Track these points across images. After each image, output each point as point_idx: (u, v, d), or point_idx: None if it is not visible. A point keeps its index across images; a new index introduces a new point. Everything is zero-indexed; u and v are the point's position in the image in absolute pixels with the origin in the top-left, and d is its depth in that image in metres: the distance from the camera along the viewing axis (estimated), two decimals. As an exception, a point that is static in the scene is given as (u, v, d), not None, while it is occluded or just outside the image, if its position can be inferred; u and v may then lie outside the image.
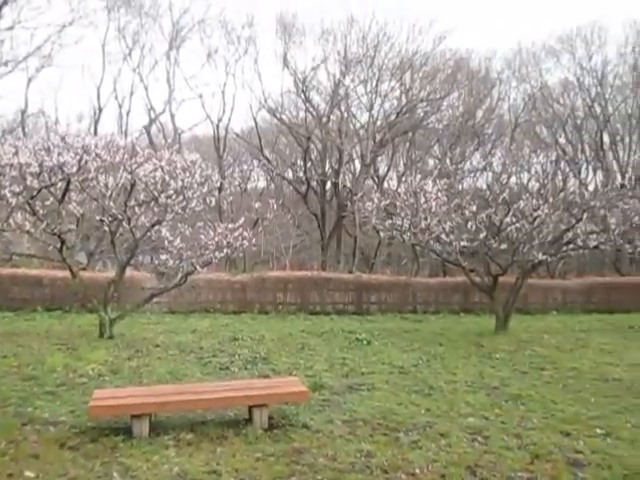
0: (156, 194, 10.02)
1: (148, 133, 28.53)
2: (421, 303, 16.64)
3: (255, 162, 32.53)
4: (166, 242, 10.47)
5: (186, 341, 10.58)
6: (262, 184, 34.99)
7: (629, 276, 21.50)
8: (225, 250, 10.57)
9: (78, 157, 9.68)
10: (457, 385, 7.55)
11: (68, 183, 10.10)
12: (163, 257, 10.58)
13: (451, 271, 20.42)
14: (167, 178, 9.93)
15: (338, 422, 5.81)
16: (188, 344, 10.25)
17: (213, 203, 11.43)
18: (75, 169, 9.74)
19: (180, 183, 9.96)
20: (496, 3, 50.37)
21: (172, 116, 28.82)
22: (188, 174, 10.12)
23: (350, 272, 20.19)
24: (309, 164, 27.98)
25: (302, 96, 26.79)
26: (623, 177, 29.88)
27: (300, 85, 26.46)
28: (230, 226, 10.76)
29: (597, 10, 49.23)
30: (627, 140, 30.20)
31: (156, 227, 10.48)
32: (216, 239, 10.42)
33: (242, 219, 11.35)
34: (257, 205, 16.93)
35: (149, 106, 28.61)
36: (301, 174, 29.03)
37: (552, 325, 14.03)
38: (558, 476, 4.57)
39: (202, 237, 10.55)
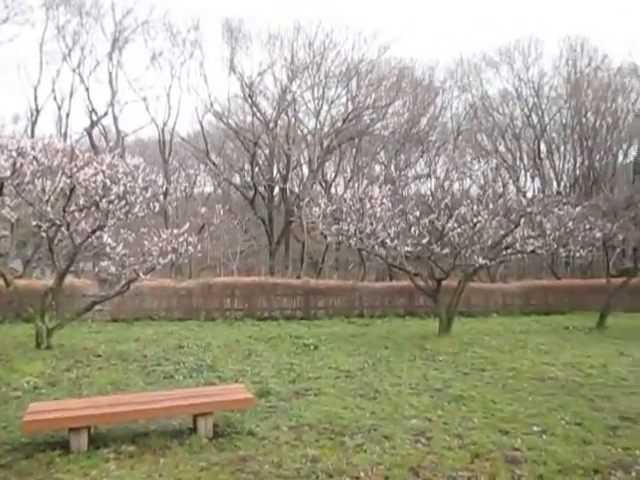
0: (97, 199, 9.73)
1: (90, 136, 27.68)
2: (368, 307, 16.85)
3: (202, 167, 32.14)
4: (108, 248, 10.17)
5: (129, 350, 10.30)
6: (209, 189, 34.62)
7: (565, 279, 22.51)
8: (170, 256, 10.36)
9: (12, 160, 9.28)
10: (402, 388, 7.68)
11: (1, 187, 9.65)
12: (104, 264, 10.26)
13: (397, 275, 20.80)
14: (108, 182, 9.66)
15: (284, 428, 5.80)
16: (131, 353, 9.99)
17: (157, 208, 11.18)
18: (9, 172, 9.33)
19: (122, 188, 9.70)
20: (439, 15, 51.85)
21: (115, 119, 28.10)
22: (131, 178, 9.87)
23: (298, 277, 20.21)
24: (256, 169, 27.90)
25: (249, 101, 26.71)
26: (559, 184, 31.31)
27: (247, 90, 26.39)
28: (175, 231, 10.57)
29: (534, 25, 51.44)
30: (562, 149, 31.65)
31: (97, 233, 10.17)
32: (160, 245, 10.20)
33: (187, 224, 11.17)
34: (203, 210, 16.76)
35: (90, 108, 27.79)
36: (248, 179, 28.88)
37: (493, 327, 14.48)
38: (497, 474, 4.72)
39: (146, 243, 10.31)
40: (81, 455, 4.89)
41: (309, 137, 27.16)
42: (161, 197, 11.81)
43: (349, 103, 27.33)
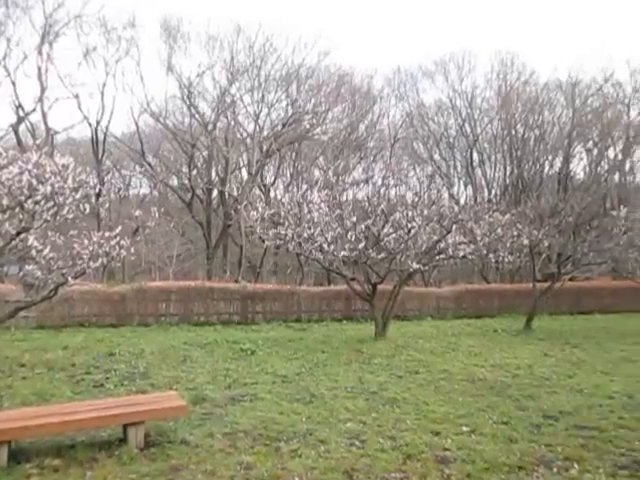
0: (22, 199, 9.23)
1: (16, 133, 26.29)
2: (305, 311, 16.91)
3: (137, 168, 31.23)
4: (34, 251, 9.66)
5: (56, 358, 9.85)
6: (145, 191, 33.66)
7: (494, 283, 23.44)
8: (101, 259, 9.97)
9: None
10: (338, 391, 7.74)
11: None
12: (30, 267, 9.75)
13: (335, 279, 20.98)
14: (35, 182, 9.19)
15: (219, 435, 5.72)
16: (58, 361, 9.55)
17: (88, 210, 10.74)
18: None
19: (50, 188, 9.25)
20: (377, 24, 52.88)
21: (44, 115, 26.80)
22: (60, 178, 9.44)
23: (236, 281, 19.99)
24: (194, 171, 27.41)
25: (187, 102, 26.24)
26: (490, 192, 32.59)
27: (185, 91, 25.92)
28: (107, 234, 10.18)
29: (468, 38, 53.40)
30: (493, 158, 32.98)
31: (22, 235, 9.65)
32: (91, 248, 9.80)
33: (120, 227, 10.79)
34: (138, 213, 16.21)
35: (17, 103, 26.40)
36: (186, 181, 28.31)
37: (427, 330, 14.86)
38: (427, 474, 4.84)
39: (76, 246, 9.87)
40: (0, 471, 4.63)
41: (248, 140, 26.98)
42: (93, 199, 11.35)
43: (289, 107, 27.39)
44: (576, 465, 5.04)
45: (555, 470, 4.96)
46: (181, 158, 28.92)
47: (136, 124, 27.50)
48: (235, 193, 27.21)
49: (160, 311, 15.54)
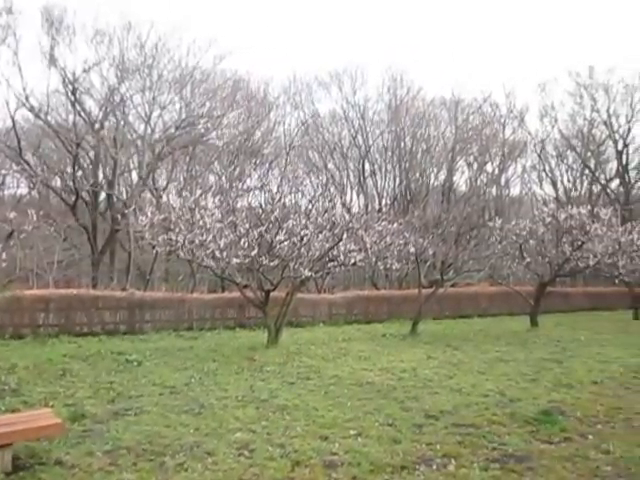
0: None
1: None
2: (197, 320, 16.49)
3: (14, 166, 28.80)
4: None
5: None
6: (23, 191, 31.10)
7: (383, 290, 24.35)
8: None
9: None
10: (228, 401, 7.62)
11: None
12: None
13: (230, 287, 20.68)
14: None
15: (99, 453, 5.39)
16: None
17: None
18: None
19: None
20: (273, 32, 53.26)
21: None
22: None
23: (124, 289, 19.06)
24: (79, 172, 25.78)
25: (72, 98, 24.65)
26: (380, 202, 33.90)
27: (70, 86, 24.33)
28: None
29: (361, 52, 55.32)
30: (384, 169, 34.35)
31: None
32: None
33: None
34: (13, 215, 14.95)
35: None
36: (70, 183, 26.55)
37: (319, 336, 15.08)
38: (315, 479, 4.89)
39: None
40: None
41: (139, 142, 25.89)
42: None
43: (182, 110, 26.69)
44: (453, 461, 5.34)
45: (435, 467, 5.21)
46: (65, 158, 27.10)
47: (12, 119, 25.37)
48: (124, 196, 25.97)
49: (37, 322, 14.41)
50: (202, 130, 27.01)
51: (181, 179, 30.04)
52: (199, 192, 28.40)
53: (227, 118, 28.29)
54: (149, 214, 11.61)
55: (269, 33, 52.93)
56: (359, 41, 54.25)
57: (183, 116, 26.27)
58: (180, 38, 27.90)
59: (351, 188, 34.55)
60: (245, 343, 13.49)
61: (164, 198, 27.83)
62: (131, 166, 26.92)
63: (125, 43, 24.44)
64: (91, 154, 25.76)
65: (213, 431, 6.20)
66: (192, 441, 5.81)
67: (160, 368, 10.05)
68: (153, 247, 13.90)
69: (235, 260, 11.44)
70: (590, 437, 6.11)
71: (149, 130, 25.43)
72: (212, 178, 30.91)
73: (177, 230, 11.48)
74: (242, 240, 11.44)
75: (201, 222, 11.61)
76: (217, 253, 11.23)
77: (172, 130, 26.05)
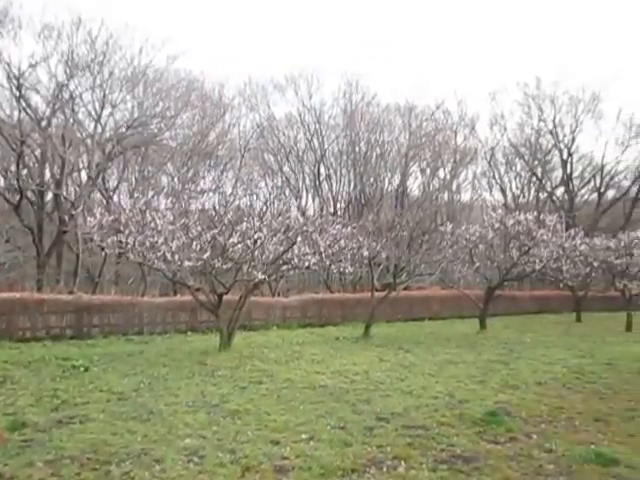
0: None
1: None
2: (148, 324, 16.13)
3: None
4: None
5: None
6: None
7: (337, 293, 24.46)
8: None
9: None
10: (178, 406, 7.47)
11: None
12: None
13: (182, 290, 20.31)
14: None
15: (39, 464, 5.18)
16: None
17: None
18: None
19: None
20: (229, 33, 52.89)
21: None
22: None
23: (71, 292, 18.45)
24: (24, 171, 24.77)
25: (17, 94, 23.70)
26: (335, 205, 34.09)
27: (14, 81, 23.39)
28: None
29: (318, 56, 55.61)
30: (339, 173, 34.59)
31: None
32: None
33: None
34: (-50, 215, 14.26)
35: None
36: (14, 182, 25.48)
37: (272, 340, 15.00)
38: (265, 484, 4.85)
39: None
40: None
41: (88, 141, 25.14)
42: None
43: (135, 109, 26.09)
44: (403, 463, 5.39)
45: (385, 470, 5.25)
46: (9, 156, 26.01)
47: (-50, 113, 24.21)
48: (72, 197, 25.14)
49: (-25, 327, 13.77)
50: (155, 130, 26.49)
51: (133, 180, 29.35)
52: (151, 193, 27.94)
53: (181, 118, 27.88)
54: (98, 215, 11.28)
55: (224, 34, 52.57)
56: (315, 45, 54.56)
57: (135, 115, 25.69)
58: (132, 36, 27.38)
59: (306, 191, 34.65)
60: (197, 347, 13.27)
61: (115, 199, 27.16)
62: (80, 165, 26.09)
63: (74, 39, 23.71)
64: (37, 152, 24.83)
65: (162, 437, 6.06)
66: (139, 448, 5.66)
67: (108, 374, 9.77)
68: (102, 249, 13.53)
69: (187, 263, 11.24)
70: (534, 436, 6.30)
71: (99, 129, 24.76)
72: (165, 179, 30.35)
73: (127, 232, 11.19)
74: (194, 243, 11.25)
75: (152, 224, 11.36)
76: (168, 256, 11.00)
77: (123, 129, 25.43)
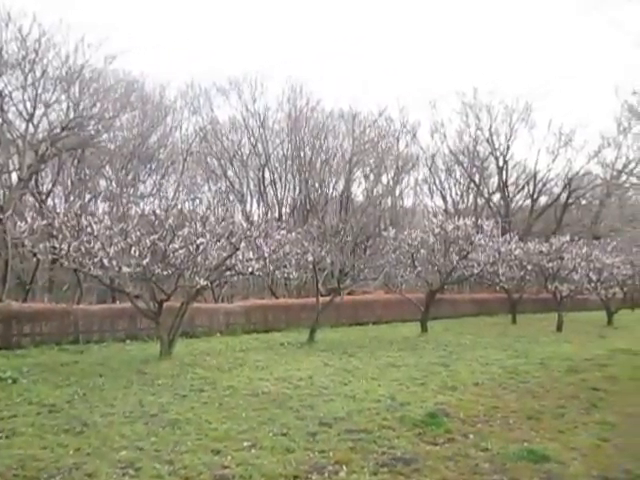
0: None
1: None
2: (84, 332, 15.49)
3: None
4: None
5: None
6: None
7: (282, 298, 24.37)
8: None
9: None
10: (114, 417, 7.21)
11: None
12: None
13: (121, 297, 19.68)
14: None
15: (-39, 483, 4.87)
16: None
17: None
18: None
19: None
20: (171, 33, 51.97)
21: None
22: None
23: (-1, 300, 17.51)
24: (-51, 172, 23.40)
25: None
26: (280, 210, 34.01)
27: (-63, 78, 22.06)
28: None
29: (261, 60, 55.51)
30: (284, 178, 34.53)
31: None
32: None
33: None
34: None
35: None
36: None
37: (215, 346, 14.75)
38: (204, 495, 4.74)
39: None
40: None
41: (19, 142, 23.97)
42: None
43: (70, 110, 25.09)
44: (345, 468, 5.41)
45: (326, 475, 5.25)
46: None
47: None
48: (1, 200, 23.87)
49: None
50: (92, 132, 25.54)
51: (68, 183, 28.20)
52: (88, 197, 26.96)
53: (120, 120, 27.02)
54: (29, 219, 10.74)
55: (166, 35, 51.63)
56: (259, 49, 54.42)
57: (71, 116, 24.69)
58: (67, 34, 26.35)
59: (251, 196, 34.39)
60: (136, 356, 12.88)
61: (49, 202, 26.03)
62: (11, 167, 24.84)
63: (3, 35, 22.56)
64: (-37, 153, 23.47)
65: (96, 450, 5.83)
66: (71, 463, 5.42)
67: (39, 385, 9.32)
68: (34, 255, 12.92)
69: (126, 269, 10.89)
70: (471, 436, 6.46)
71: (31, 129, 23.64)
72: (103, 183, 29.36)
73: (61, 237, 10.71)
74: (133, 248, 10.91)
75: (89, 229, 10.93)
76: (106, 262, 10.61)
77: (58, 130, 24.39)
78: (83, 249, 10.48)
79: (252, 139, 33.54)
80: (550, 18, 60.70)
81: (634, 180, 35.65)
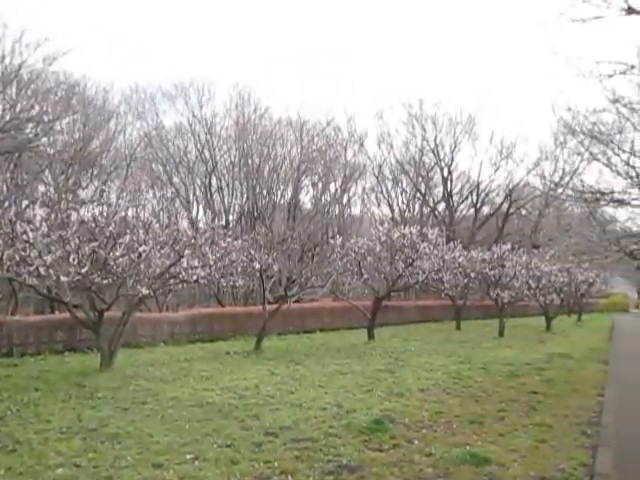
0: None
1: None
2: (18, 345, 14.71)
3: None
4: None
5: None
6: None
7: (229, 306, 24.07)
8: None
9: None
10: (50, 433, 6.87)
11: None
12: None
13: (60, 307, 18.90)
14: None
15: None
16: None
17: None
18: None
19: None
20: (115, 36, 50.80)
21: None
22: None
23: None
24: None
25: None
26: (227, 218, 33.68)
27: None
28: None
29: (209, 66, 54.97)
30: (231, 185, 34.24)
31: None
32: None
33: None
34: None
35: None
36: None
37: (159, 357, 14.35)
38: (145, 512, 4.58)
39: None
40: None
41: (-50, 145, 22.75)
42: None
43: (6, 112, 24.02)
44: (290, 477, 5.36)
45: (271, 485, 5.19)
46: None
47: None
48: None
49: None
50: (30, 135, 24.52)
51: (4, 188, 26.91)
52: (25, 203, 25.79)
53: (60, 124, 26.06)
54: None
55: (110, 38, 50.40)
56: (206, 55, 53.93)
57: (7, 118, 23.64)
58: (3, 33, 25.20)
59: (197, 203, 33.90)
60: (75, 368, 12.37)
61: (-18, 208, 24.77)
62: (-60, 171, 23.52)
63: None
64: None
65: (29, 469, 5.54)
66: (1, 484, 5.13)
67: (-33, 402, 8.80)
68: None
69: (64, 278, 10.46)
70: (416, 442, 6.54)
71: (-36, 131, 22.47)
72: (42, 188, 28.18)
73: (-7, 245, 10.18)
74: (72, 256, 10.49)
75: (24, 236, 10.43)
76: (42, 270, 10.15)
77: (-7, 133, 23.28)
78: (18, 257, 9.99)
79: (199, 145, 33.13)
80: (495, 37, 63.09)
81: (569, 192, 37.34)
